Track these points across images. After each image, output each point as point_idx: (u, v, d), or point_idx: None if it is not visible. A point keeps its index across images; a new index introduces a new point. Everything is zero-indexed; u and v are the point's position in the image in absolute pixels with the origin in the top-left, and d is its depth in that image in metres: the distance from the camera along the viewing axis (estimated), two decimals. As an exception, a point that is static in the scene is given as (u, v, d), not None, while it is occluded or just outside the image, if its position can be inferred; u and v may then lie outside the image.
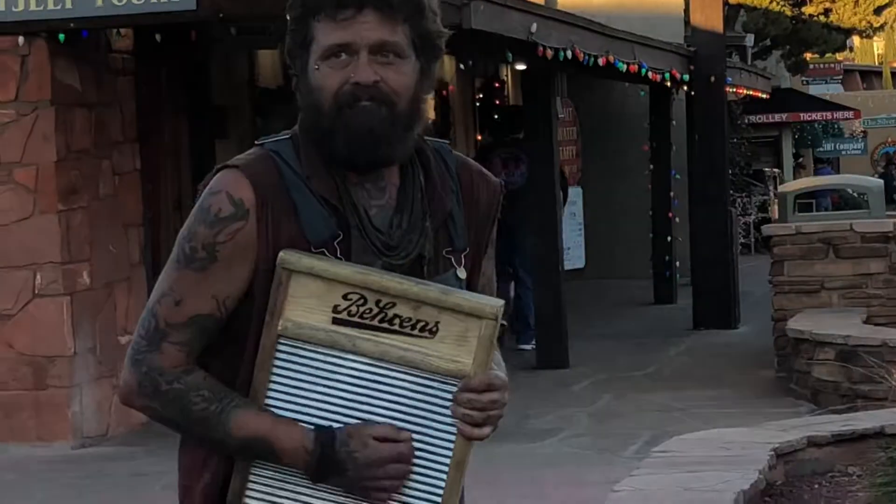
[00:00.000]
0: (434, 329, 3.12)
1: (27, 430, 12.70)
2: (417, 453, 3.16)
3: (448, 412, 3.15)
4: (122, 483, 10.51)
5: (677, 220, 21.14)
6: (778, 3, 33.97)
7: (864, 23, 37.27)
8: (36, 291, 12.75)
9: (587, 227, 21.51)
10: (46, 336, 12.70)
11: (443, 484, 3.19)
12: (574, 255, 21.50)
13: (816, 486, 7.94)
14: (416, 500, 3.20)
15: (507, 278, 19.22)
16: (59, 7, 12.08)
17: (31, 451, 12.47)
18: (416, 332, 3.13)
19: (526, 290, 19.15)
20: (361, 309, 3.14)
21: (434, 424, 3.18)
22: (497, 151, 19.41)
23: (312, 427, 3.13)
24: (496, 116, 21.24)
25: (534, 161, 17.16)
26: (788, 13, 33.97)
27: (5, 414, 12.76)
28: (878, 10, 37.80)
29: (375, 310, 3.13)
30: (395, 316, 3.12)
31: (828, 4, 35.46)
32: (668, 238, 21.42)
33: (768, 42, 33.59)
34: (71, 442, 12.57)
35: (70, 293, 12.72)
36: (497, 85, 21.32)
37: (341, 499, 3.18)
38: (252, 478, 3.20)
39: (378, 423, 3.13)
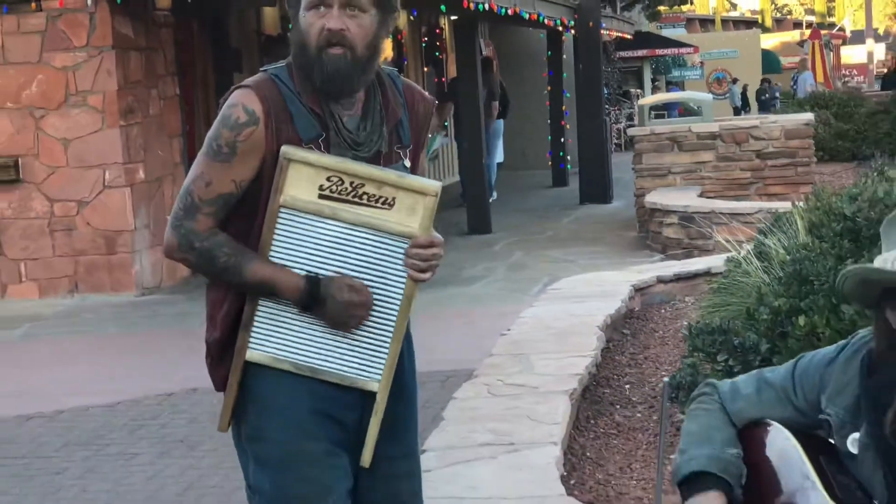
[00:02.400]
0: (392, 202, 3.24)
1: (103, 284, 12.73)
2: (379, 291, 3.28)
3: (401, 262, 3.26)
4: (171, 320, 10.45)
5: (568, 126, 20.86)
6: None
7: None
8: (105, 184, 12.69)
9: (505, 131, 21.26)
10: (114, 216, 12.69)
11: (396, 311, 3.32)
12: (497, 152, 21.41)
13: (662, 311, 8.07)
14: (380, 323, 3.29)
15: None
16: None
17: (106, 298, 12.51)
18: (378, 204, 3.24)
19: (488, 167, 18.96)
20: (339, 188, 3.22)
21: (391, 270, 3.27)
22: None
23: (303, 274, 3.24)
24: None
25: (462, 83, 17.02)
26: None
27: (87, 272, 12.76)
28: (713, -25, 37.67)
29: (349, 188, 3.22)
30: (364, 193, 3.23)
31: (675, -33, 35.24)
32: (562, 139, 21.06)
33: None
34: (134, 292, 12.65)
35: (130, 185, 12.71)
36: (437, 31, 21.11)
37: (318, 325, 3.27)
38: (259, 308, 3.28)
39: (352, 275, 3.24)
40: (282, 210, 3.27)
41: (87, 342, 10.87)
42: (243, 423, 3.38)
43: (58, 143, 12.82)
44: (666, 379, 5.43)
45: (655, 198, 14.05)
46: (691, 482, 2.69)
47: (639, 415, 5.44)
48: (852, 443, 2.57)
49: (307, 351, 3.33)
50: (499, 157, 21.00)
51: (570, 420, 5.08)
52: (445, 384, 5.35)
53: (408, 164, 3.41)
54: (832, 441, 2.64)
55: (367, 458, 3.34)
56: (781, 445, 2.68)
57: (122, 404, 8.25)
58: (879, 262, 2.53)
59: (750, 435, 2.75)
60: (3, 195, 12.93)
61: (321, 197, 3.26)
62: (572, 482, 4.45)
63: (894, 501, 2.50)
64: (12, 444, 7.56)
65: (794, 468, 2.63)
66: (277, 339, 3.33)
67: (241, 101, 3.25)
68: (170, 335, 9.53)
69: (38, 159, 12.89)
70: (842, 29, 55.23)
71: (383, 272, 3.32)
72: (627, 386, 5.91)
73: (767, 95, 31.49)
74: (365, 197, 3.26)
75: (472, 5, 15.43)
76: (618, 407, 5.56)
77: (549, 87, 22.22)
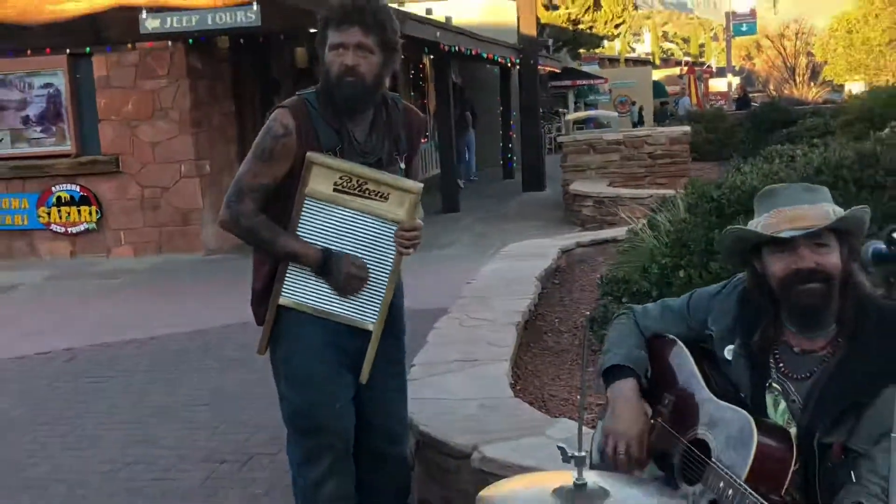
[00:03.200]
0: (386, 197, 3.29)
1: (179, 246, 12.73)
2: (375, 260, 3.32)
3: (392, 240, 3.32)
4: (228, 273, 10.41)
5: (514, 135, 20.98)
6: (565, 23, 33.69)
7: (609, 33, 37.02)
8: (182, 175, 12.69)
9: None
10: (188, 198, 12.71)
11: (388, 275, 3.35)
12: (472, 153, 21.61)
13: (581, 267, 8.00)
14: (376, 283, 3.33)
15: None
16: (188, 25, 11.92)
17: (182, 257, 12.52)
18: (377, 197, 3.29)
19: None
20: (349, 184, 3.26)
21: (384, 246, 3.33)
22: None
23: (321, 248, 3.28)
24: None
25: (440, 107, 16.99)
26: (570, 28, 33.66)
27: (168, 238, 12.75)
28: (617, 26, 37.59)
29: (356, 185, 3.26)
30: (366, 188, 3.27)
31: (590, 23, 35.15)
32: (510, 145, 21.25)
33: (560, 43, 33.26)
34: (202, 253, 12.66)
35: (199, 176, 12.72)
36: (421, 66, 21.12)
37: (327, 288, 3.30)
38: (288, 269, 3.31)
39: (356, 248, 3.29)
40: (306, 199, 3.30)
41: (169, 288, 10.89)
42: (275, 348, 3.41)
43: (147, 145, 12.80)
44: (586, 314, 5.46)
45: (577, 187, 14.11)
46: (611, 373, 2.71)
47: (565, 340, 5.46)
48: (728, 352, 2.58)
49: (322, 299, 3.35)
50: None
51: (516, 344, 5.10)
52: (428, 319, 5.33)
53: (403, 166, 3.41)
54: (713, 351, 2.63)
55: (364, 376, 3.40)
56: (677, 352, 2.70)
57: (194, 333, 8.29)
58: (752, 225, 2.52)
59: (654, 344, 2.76)
60: (107, 183, 12.89)
61: (335, 190, 3.30)
62: (518, 388, 4.47)
63: (756, 394, 2.51)
64: (115, 361, 7.57)
65: (684, 368, 2.64)
66: (301, 290, 3.35)
67: (280, 118, 3.26)
68: (227, 284, 9.47)
69: (133, 157, 12.87)
70: (709, 66, 55.46)
71: (378, 247, 3.35)
72: (557, 320, 5.92)
73: (669, 112, 31.70)
74: (367, 192, 3.30)
75: (446, 48, 15.50)
76: (550, 335, 5.58)
77: (500, 108, 22.28)
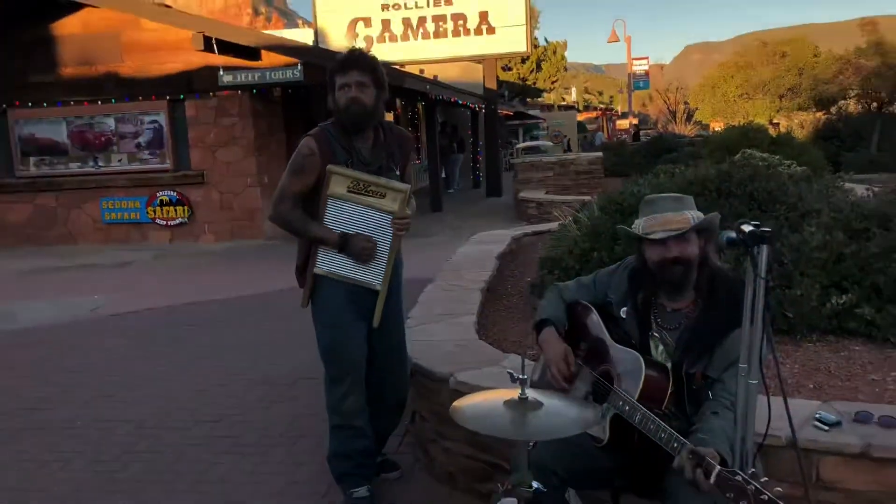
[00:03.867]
0: (384, 195, 3.27)
1: (246, 234, 12.54)
2: (379, 240, 3.29)
3: (389, 226, 3.31)
4: (282, 253, 10.45)
5: (480, 157, 20.79)
6: (516, 80, 33.65)
7: (547, 87, 36.98)
8: (248, 185, 12.52)
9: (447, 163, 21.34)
10: (252, 201, 12.51)
11: (388, 250, 3.33)
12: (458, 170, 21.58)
13: (527, 250, 7.73)
14: (380, 257, 3.30)
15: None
16: (252, 79, 11.84)
17: (248, 242, 12.36)
18: (377, 196, 3.27)
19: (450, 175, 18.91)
20: (357, 187, 3.25)
21: (385, 230, 3.31)
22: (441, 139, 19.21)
23: (339, 232, 3.26)
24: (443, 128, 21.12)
25: (429, 139, 16.83)
26: (520, 84, 33.59)
27: (238, 229, 12.57)
28: (552, 83, 37.58)
29: (363, 187, 3.25)
30: (370, 189, 3.26)
31: (534, 80, 35.15)
32: (478, 165, 21.01)
33: (513, 94, 33.16)
34: (263, 239, 12.44)
35: (260, 186, 12.50)
36: (416, 110, 21.03)
37: (348, 261, 3.28)
38: (319, 250, 3.30)
39: (364, 232, 3.26)
40: (329, 199, 3.28)
41: (239, 264, 10.81)
42: (313, 304, 3.41)
43: (224, 163, 12.64)
44: (529, 282, 5.45)
45: (524, 194, 13.98)
46: (540, 326, 2.72)
47: (514, 301, 5.44)
48: (623, 313, 2.60)
49: (344, 269, 3.34)
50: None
51: (481, 303, 5.07)
52: (419, 286, 5.32)
53: (398, 172, 3.36)
54: (613, 312, 2.65)
55: (376, 321, 3.37)
56: (589, 313, 2.70)
57: (257, 295, 8.25)
58: (636, 224, 2.54)
59: (574, 309, 2.76)
60: (196, 190, 12.76)
61: (349, 191, 3.28)
62: (482, 334, 4.44)
63: (643, 341, 2.52)
64: (201, 315, 7.55)
65: (594, 324, 2.65)
66: (329, 263, 3.34)
67: (307, 143, 3.25)
68: (280, 261, 9.47)
69: (214, 172, 12.70)
70: (616, 111, 55.47)
71: (380, 230, 3.32)
72: (509, 286, 5.90)
73: (591, 142, 31.65)
74: (370, 192, 3.28)
75: (433, 97, 15.42)
76: (504, 297, 5.56)
77: (471, 139, 22.17)
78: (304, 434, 4.33)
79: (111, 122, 12.90)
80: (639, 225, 2.52)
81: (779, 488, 1.91)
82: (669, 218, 2.45)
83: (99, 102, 12.82)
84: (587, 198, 9.63)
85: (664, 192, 2.89)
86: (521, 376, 2.18)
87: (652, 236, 2.44)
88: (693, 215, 2.46)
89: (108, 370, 5.80)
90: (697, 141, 20.62)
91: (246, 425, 4.52)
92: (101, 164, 13.02)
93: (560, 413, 2.13)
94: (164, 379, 5.49)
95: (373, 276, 3.34)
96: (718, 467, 2.01)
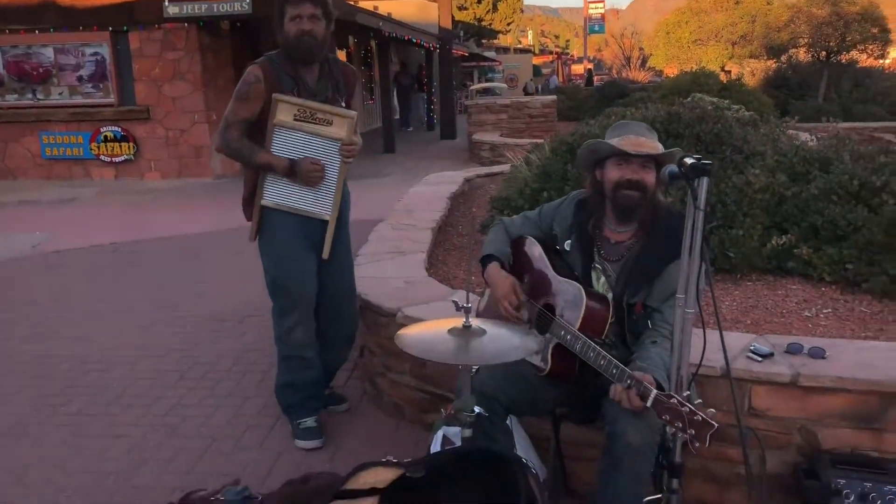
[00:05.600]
0: (331, 122, 3.23)
1: (194, 172, 12.27)
2: (327, 169, 3.25)
3: (337, 154, 3.27)
4: (231, 192, 10.25)
5: (435, 100, 20.61)
6: (472, 20, 33.19)
7: (503, 29, 36.57)
8: (195, 121, 12.20)
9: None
10: (200, 138, 12.19)
11: (336, 179, 3.29)
12: (421, 110, 21.37)
13: (478, 191, 7.74)
14: (328, 185, 3.27)
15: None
16: (199, 11, 11.46)
17: (196, 180, 12.13)
18: (324, 123, 3.23)
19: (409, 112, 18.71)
20: (304, 115, 3.20)
21: (332, 158, 3.27)
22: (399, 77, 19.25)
23: (287, 158, 3.21)
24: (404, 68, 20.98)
25: (381, 78, 16.55)
26: (476, 24, 33.12)
27: (185, 167, 12.29)
28: (508, 24, 37.14)
29: (309, 115, 3.21)
30: (317, 117, 3.22)
31: (490, 21, 34.71)
32: (432, 106, 20.83)
33: (468, 35, 32.66)
34: (211, 177, 12.25)
35: (208, 122, 12.17)
36: (368, 48, 20.62)
37: (296, 187, 3.24)
38: (266, 180, 3.26)
39: (314, 158, 3.22)
40: (275, 127, 3.23)
41: (187, 203, 10.61)
42: (261, 236, 3.38)
43: (170, 99, 12.30)
44: (479, 222, 5.47)
45: (478, 137, 13.92)
46: (485, 260, 2.74)
47: (464, 241, 5.45)
48: (567, 245, 2.62)
49: (292, 200, 3.31)
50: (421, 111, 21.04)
51: (431, 242, 5.07)
52: (370, 225, 5.31)
53: (343, 104, 3.32)
54: (557, 245, 2.67)
55: (326, 253, 3.36)
56: (532, 247, 2.72)
57: (205, 234, 8.15)
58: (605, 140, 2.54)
59: (518, 243, 2.77)
60: (141, 126, 12.42)
61: (295, 119, 3.23)
62: (431, 271, 4.46)
63: (585, 273, 2.56)
64: (147, 253, 7.43)
65: (537, 257, 2.67)
66: (276, 194, 3.31)
67: (252, 71, 3.21)
68: (229, 200, 9.35)
69: (160, 107, 12.35)
70: (572, 55, 55.15)
71: (328, 158, 3.28)
72: (460, 226, 5.91)
73: (548, 85, 31.40)
74: (317, 119, 3.24)
75: (387, 34, 15.13)
76: (454, 235, 5.58)
77: (425, 80, 21.83)
78: (252, 369, 4.34)
79: (50, 52, 12.41)
80: (606, 139, 2.52)
81: (712, 409, 1.99)
82: (643, 141, 2.46)
83: (36, 32, 12.33)
84: (540, 141, 9.62)
85: None
86: (465, 305, 2.21)
87: (630, 150, 2.43)
88: (661, 146, 2.49)
89: (50, 306, 5.70)
90: (650, 86, 20.68)
91: (193, 360, 4.51)
92: (39, 96, 12.57)
93: (503, 340, 2.17)
94: (108, 315, 5.43)
95: (321, 206, 3.31)
96: (655, 391, 2.08)
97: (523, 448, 2.55)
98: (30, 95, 12.58)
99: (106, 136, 12.44)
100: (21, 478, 3.22)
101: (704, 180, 2.00)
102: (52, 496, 3.07)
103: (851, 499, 2.32)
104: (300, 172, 3.23)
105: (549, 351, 2.45)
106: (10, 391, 4.13)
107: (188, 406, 3.89)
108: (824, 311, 3.56)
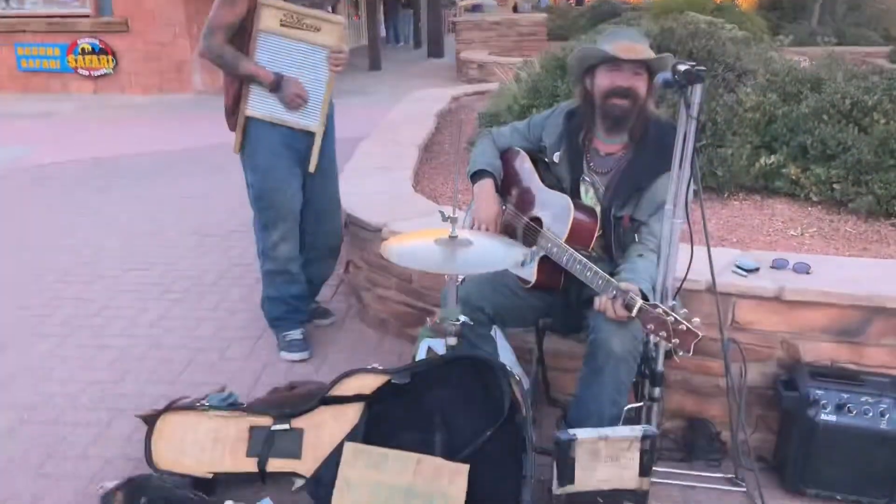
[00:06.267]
0: (319, 28, 3.13)
1: (175, 88, 11.94)
2: (313, 77, 3.16)
3: (325, 62, 3.17)
4: (213, 108, 10.21)
5: (421, 23, 20.25)
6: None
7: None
8: (176, 35, 11.82)
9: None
10: (182, 52, 11.81)
11: (324, 91, 3.22)
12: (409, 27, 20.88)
13: (466, 109, 7.52)
14: (315, 95, 3.19)
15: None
16: None
17: (177, 96, 11.78)
18: (311, 29, 3.12)
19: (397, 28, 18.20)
20: (291, 20, 3.09)
21: (320, 67, 3.17)
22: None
23: (273, 72, 3.12)
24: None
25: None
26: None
27: (166, 81, 11.95)
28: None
29: (296, 20, 3.10)
30: (304, 22, 3.11)
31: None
32: (419, 24, 20.40)
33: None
34: (192, 93, 11.99)
35: (189, 36, 11.65)
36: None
37: (278, 105, 3.15)
38: (251, 89, 3.16)
39: (297, 69, 3.13)
40: (260, 33, 3.13)
41: (168, 118, 10.41)
42: (244, 148, 3.30)
43: (149, 11, 11.92)
44: (467, 140, 5.42)
45: (466, 55, 13.64)
46: (476, 176, 2.70)
47: (451, 158, 5.40)
48: (556, 157, 2.59)
49: (277, 110, 3.22)
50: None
51: (418, 159, 5.02)
52: (356, 142, 5.24)
53: (330, 10, 3.23)
54: (545, 158, 2.64)
55: (312, 166, 3.31)
56: (521, 159, 2.70)
57: (187, 149, 8.04)
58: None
59: (506, 154, 2.75)
60: (120, 39, 12.05)
61: (282, 25, 3.13)
62: (417, 188, 4.43)
63: (574, 185, 2.54)
64: (129, 167, 7.33)
65: (525, 169, 2.66)
66: (261, 104, 3.22)
67: None
68: (211, 115, 9.22)
69: (139, 19, 11.98)
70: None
71: (315, 67, 3.20)
72: (447, 144, 5.85)
73: (539, 3, 30.47)
74: (304, 25, 3.13)
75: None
76: (442, 154, 5.52)
77: (412, 10, 21.31)
78: (237, 283, 4.34)
79: (22, -42, 12.00)
80: (598, 45, 2.45)
81: (697, 319, 2.00)
82: (635, 46, 2.39)
83: (8, -64, 11.88)
84: (530, 58, 9.44)
85: None
86: (451, 215, 2.19)
87: (621, 55, 2.37)
88: (653, 53, 2.43)
89: (31, 220, 5.63)
90: (642, 7, 20.25)
91: (177, 274, 4.49)
92: (13, 4, 12.19)
93: (489, 250, 2.16)
94: (90, 229, 5.37)
95: (308, 117, 3.23)
96: (640, 301, 2.09)
97: (507, 358, 2.58)
98: (2, 4, 12.19)
99: (83, 49, 12.10)
100: (7, 385, 3.23)
101: (698, 87, 1.97)
102: (38, 402, 3.09)
103: (828, 409, 2.37)
104: (284, 93, 3.15)
105: (536, 263, 2.45)
106: (-7, 302, 4.12)
107: (173, 319, 3.89)
108: (810, 230, 3.58)
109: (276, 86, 3.14)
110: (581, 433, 1.87)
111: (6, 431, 2.88)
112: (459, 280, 2.40)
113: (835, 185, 3.82)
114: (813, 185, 3.89)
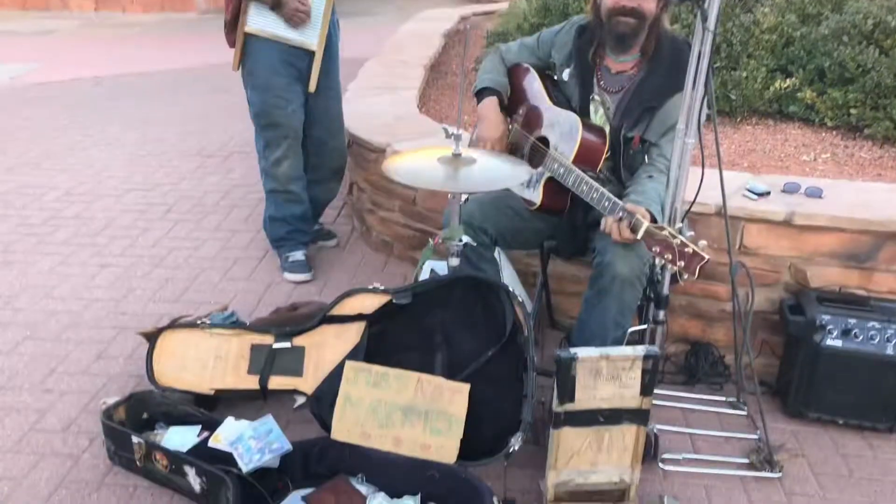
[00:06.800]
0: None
1: (178, 7, 11.71)
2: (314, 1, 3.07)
3: None
4: (215, 28, 10.03)
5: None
6: None
7: None
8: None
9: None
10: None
11: (323, 10, 3.10)
12: None
13: (474, 30, 7.16)
14: (315, 18, 3.08)
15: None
16: None
17: (180, 15, 11.62)
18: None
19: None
20: None
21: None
22: None
23: None
24: None
25: None
26: None
27: (206, 3, 11.93)
28: None
29: None
30: None
31: None
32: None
33: None
34: (196, 12, 11.76)
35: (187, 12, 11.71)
36: None
37: (278, 21, 3.06)
38: (251, 5, 3.07)
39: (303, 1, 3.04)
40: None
41: (170, 37, 10.21)
42: (244, 65, 3.22)
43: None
44: (475, 61, 5.28)
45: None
46: (482, 93, 2.63)
47: (457, 79, 5.30)
48: (566, 74, 2.51)
49: (278, 27, 3.13)
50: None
51: (423, 79, 4.92)
52: (360, 63, 5.12)
53: None
54: (554, 75, 2.56)
55: (312, 85, 3.23)
56: (529, 76, 2.62)
57: (190, 69, 7.90)
58: None
59: (513, 71, 2.67)
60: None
61: None
62: (423, 109, 4.34)
63: (583, 104, 2.47)
64: (131, 86, 7.22)
65: (533, 87, 2.58)
66: (261, 20, 3.13)
67: None
68: (214, 35, 9.03)
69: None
70: None
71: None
72: (453, 64, 5.73)
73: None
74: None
75: None
76: (449, 75, 5.41)
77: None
78: (240, 204, 4.30)
79: None
80: None
81: (703, 241, 1.96)
82: None
83: None
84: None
85: None
86: (455, 132, 2.13)
87: None
88: None
89: (31, 139, 5.57)
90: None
91: (179, 194, 4.45)
92: (9, -82, 11.84)
93: (493, 169, 2.11)
94: (92, 148, 5.32)
95: (308, 35, 3.14)
96: (646, 223, 2.04)
97: (510, 280, 2.55)
98: (-1, -83, 11.85)
99: (83, -36, 11.83)
100: (10, 302, 3.23)
101: (716, 1, 1.88)
102: (42, 319, 3.09)
103: (835, 334, 2.34)
104: (286, 9, 3.06)
105: (542, 185, 2.40)
106: (-5, 220, 4.10)
107: (175, 238, 3.87)
108: (823, 155, 3.50)
109: (277, 3, 3.04)
110: (582, 352, 1.85)
111: (11, 348, 2.89)
112: (462, 199, 2.35)
113: (851, 110, 3.72)
114: (829, 109, 3.79)
